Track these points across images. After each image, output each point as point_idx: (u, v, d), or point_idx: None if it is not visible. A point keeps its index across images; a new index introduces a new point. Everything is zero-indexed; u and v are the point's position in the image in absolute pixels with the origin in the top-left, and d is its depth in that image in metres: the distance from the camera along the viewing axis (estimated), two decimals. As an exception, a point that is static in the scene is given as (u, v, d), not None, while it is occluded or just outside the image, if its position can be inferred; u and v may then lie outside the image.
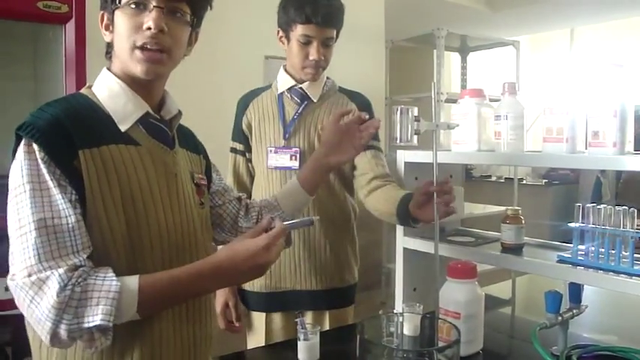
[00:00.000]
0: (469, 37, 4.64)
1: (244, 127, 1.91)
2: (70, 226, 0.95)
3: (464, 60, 5.06)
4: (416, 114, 1.36)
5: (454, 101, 1.95)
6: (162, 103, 1.17)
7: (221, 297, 1.90)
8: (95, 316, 0.91)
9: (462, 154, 1.64)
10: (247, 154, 1.93)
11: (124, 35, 1.05)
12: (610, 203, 2.44)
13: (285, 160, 1.82)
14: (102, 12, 1.10)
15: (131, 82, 1.10)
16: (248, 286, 1.89)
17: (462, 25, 5.52)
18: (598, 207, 1.36)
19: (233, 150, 1.96)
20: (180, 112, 1.20)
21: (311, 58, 1.75)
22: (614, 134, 1.28)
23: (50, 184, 0.95)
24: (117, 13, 1.06)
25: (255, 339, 1.91)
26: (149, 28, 1.03)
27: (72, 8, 2.28)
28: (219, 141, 3.46)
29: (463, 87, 4.97)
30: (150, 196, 1.07)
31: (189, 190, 1.18)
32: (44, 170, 0.96)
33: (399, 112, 1.35)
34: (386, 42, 4.42)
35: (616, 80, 1.31)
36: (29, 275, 0.93)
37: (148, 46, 1.04)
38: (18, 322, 1.87)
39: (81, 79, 2.30)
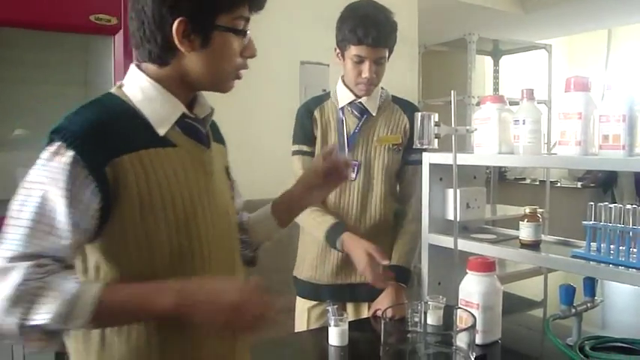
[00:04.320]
0: (501, 41, 4.70)
1: (314, 131, 2.00)
2: (62, 243, 0.96)
3: (496, 63, 5.10)
4: (436, 120, 1.47)
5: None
6: (194, 101, 1.17)
7: (358, 249, 1.81)
8: (46, 314, 0.89)
9: (482, 156, 1.74)
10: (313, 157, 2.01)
11: (231, 58, 1.10)
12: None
13: None
14: (187, 23, 1.03)
15: (169, 83, 1.08)
16: (304, 276, 2.04)
17: (496, 28, 5.54)
18: (609, 206, 1.44)
19: (299, 152, 2.01)
20: (212, 110, 1.20)
21: (363, 76, 1.88)
22: (623, 137, 1.37)
23: (64, 194, 0.95)
24: (221, 35, 1.06)
25: (299, 323, 2.06)
26: (253, 55, 1.13)
27: (121, 21, 2.46)
28: (254, 144, 3.57)
29: (495, 90, 5.02)
30: (189, 197, 1.07)
31: (225, 187, 1.23)
32: (66, 178, 0.95)
33: (420, 118, 1.47)
34: (419, 47, 4.49)
35: (625, 85, 1.40)
36: None
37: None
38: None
39: (129, 86, 2.48)
